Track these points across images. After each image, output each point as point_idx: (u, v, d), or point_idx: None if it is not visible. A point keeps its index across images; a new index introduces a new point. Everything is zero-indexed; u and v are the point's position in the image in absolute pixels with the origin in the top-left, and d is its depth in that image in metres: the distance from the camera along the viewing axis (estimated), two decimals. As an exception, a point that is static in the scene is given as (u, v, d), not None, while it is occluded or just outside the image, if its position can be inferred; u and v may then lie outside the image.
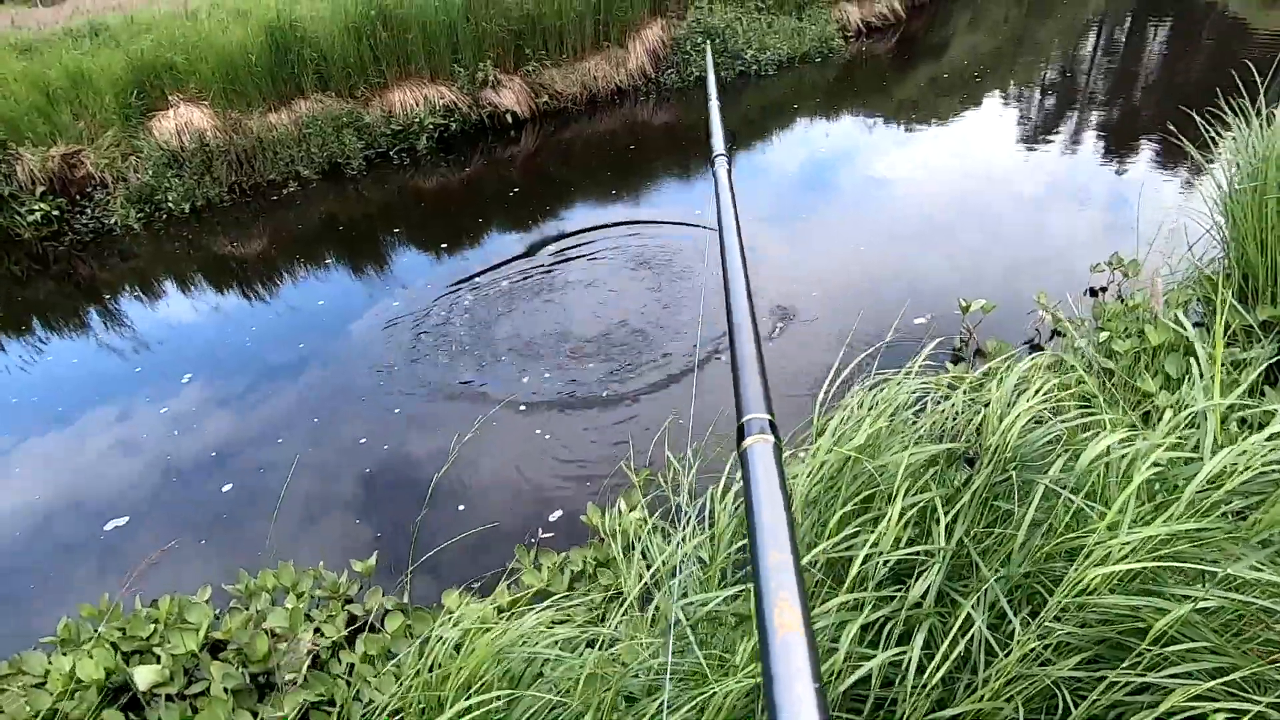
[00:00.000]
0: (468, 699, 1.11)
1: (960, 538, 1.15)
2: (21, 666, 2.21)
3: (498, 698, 1.14)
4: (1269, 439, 1.07)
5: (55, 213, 6.80)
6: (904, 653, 1.00)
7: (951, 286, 4.44)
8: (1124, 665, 0.94)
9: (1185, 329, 2.12)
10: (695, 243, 5.33)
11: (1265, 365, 2.00)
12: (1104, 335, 3.04)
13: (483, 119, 8.42)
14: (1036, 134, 7.38)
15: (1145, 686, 0.95)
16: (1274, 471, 1.06)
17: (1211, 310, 3.07)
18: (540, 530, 3.06)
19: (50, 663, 2.19)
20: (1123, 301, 3.39)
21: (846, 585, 1.04)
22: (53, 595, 3.04)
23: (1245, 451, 1.05)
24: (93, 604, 2.42)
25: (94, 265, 6.52)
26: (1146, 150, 6.58)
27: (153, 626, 2.27)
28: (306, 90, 7.68)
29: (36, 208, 6.71)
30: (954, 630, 1.04)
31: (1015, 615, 1.03)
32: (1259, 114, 3.25)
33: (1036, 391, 1.24)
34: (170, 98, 7.21)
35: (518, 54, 8.63)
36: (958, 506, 1.17)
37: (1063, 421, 1.26)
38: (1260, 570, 0.94)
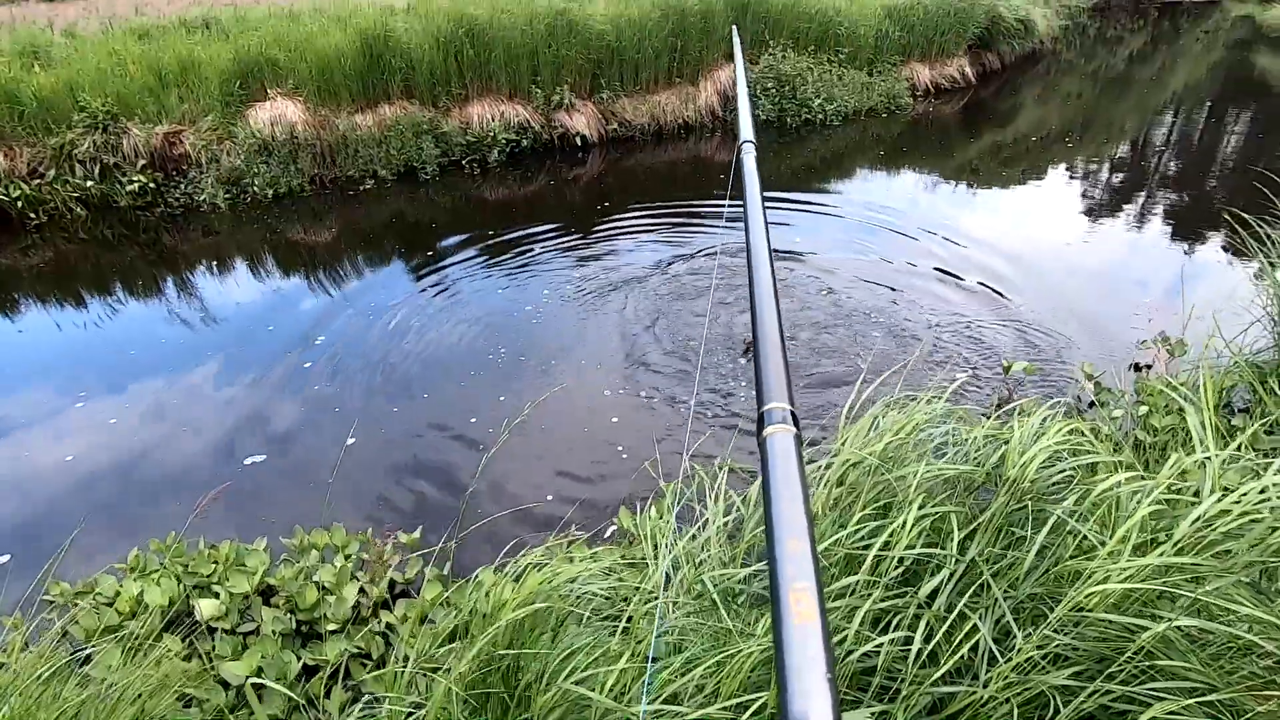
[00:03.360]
0: (516, 612, 1.24)
1: (974, 557, 1.26)
2: (95, 587, 2.42)
3: (547, 609, 1.27)
4: (1261, 491, 1.16)
5: (151, 185, 7.30)
6: (910, 637, 1.11)
7: (996, 349, 4.49)
8: (1105, 676, 1.03)
9: (1188, 401, 2.18)
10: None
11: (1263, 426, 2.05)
12: (1143, 409, 3.08)
13: (553, 139, 8.77)
14: (1099, 209, 7.39)
15: (1130, 699, 1.04)
16: (1262, 515, 1.15)
17: (1260, 395, 3.09)
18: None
19: (120, 586, 2.39)
20: (1166, 381, 3.42)
21: (863, 570, 1.16)
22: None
23: (1237, 499, 1.14)
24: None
25: (178, 237, 6.97)
26: (1208, 236, 6.54)
27: (213, 566, 2.46)
28: (393, 96, 8.14)
29: (136, 179, 7.22)
30: (960, 636, 1.15)
31: (1019, 631, 1.13)
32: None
33: (1057, 431, 1.34)
34: (269, 90, 7.72)
35: (593, 81, 9.01)
36: (974, 526, 1.28)
37: (1076, 461, 1.36)
38: (1241, 602, 1.03)
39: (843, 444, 1.52)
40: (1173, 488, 1.24)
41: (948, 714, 1.11)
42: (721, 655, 1.06)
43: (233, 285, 6.14)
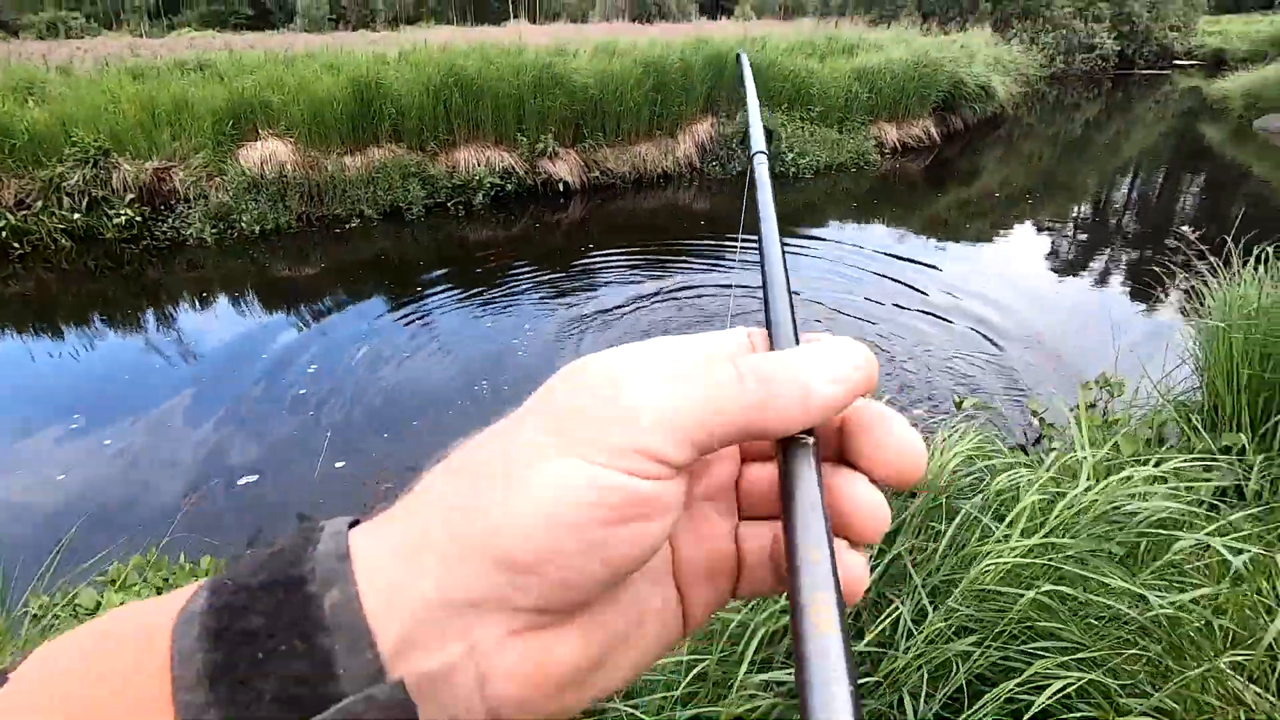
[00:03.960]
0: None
1: (899, 551, 1.42)
2: (75, 599, 2.48)
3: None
4: (1121, 481, 1.34)
5: (139, 219, 7.43)
6: None
7: (954, 387, 4.73)
8: (994, 638, 1.19)
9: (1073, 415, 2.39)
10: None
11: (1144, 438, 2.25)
12: (1115, 453, 3.29)
13: (537, 184, 9.09)
14: (1054, 261, 7.80)
15: (1019, 657, 1.19)
16: (1128, 504, 1.33)
17: (1185, 431, 3.32)
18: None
19: (101, 598, 2.45)
20: (1105, 416, 3.66)
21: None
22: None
23: (1102, 488, 1.32)
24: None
25: (162, 270, 7.07)
26: (1152, 288, 6.94)
27: (193, 579, 2.53)
28: (382, 139, 8.42)
29: (123, 212, 7.35)
30: (883, 616, 1.30)
31: (931, 609, 1.29)
32: (1228, 265, 3.60)
33: (968, 440, 1.52)
34: (260, 131, 7.96)
35: (576, 131, 9.39)
36: (898, 524, 1.44)
37: (985, 463, 1.54)
38: (1111, 576, 1.20)
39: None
40: (1061, 484, 1.43)
41: (875, 679, 1.25)
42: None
43: (218, 318, 6.23)
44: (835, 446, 0.26)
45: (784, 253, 0.33)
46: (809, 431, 0.24)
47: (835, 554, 0.21)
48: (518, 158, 8.95)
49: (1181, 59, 27.34)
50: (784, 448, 0.24)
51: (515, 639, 0.22)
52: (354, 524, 0.23)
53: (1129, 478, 1.39)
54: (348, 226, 7.92)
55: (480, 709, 0.22)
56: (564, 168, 9.20)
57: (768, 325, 0.28)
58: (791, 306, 0.29)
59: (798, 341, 0.26)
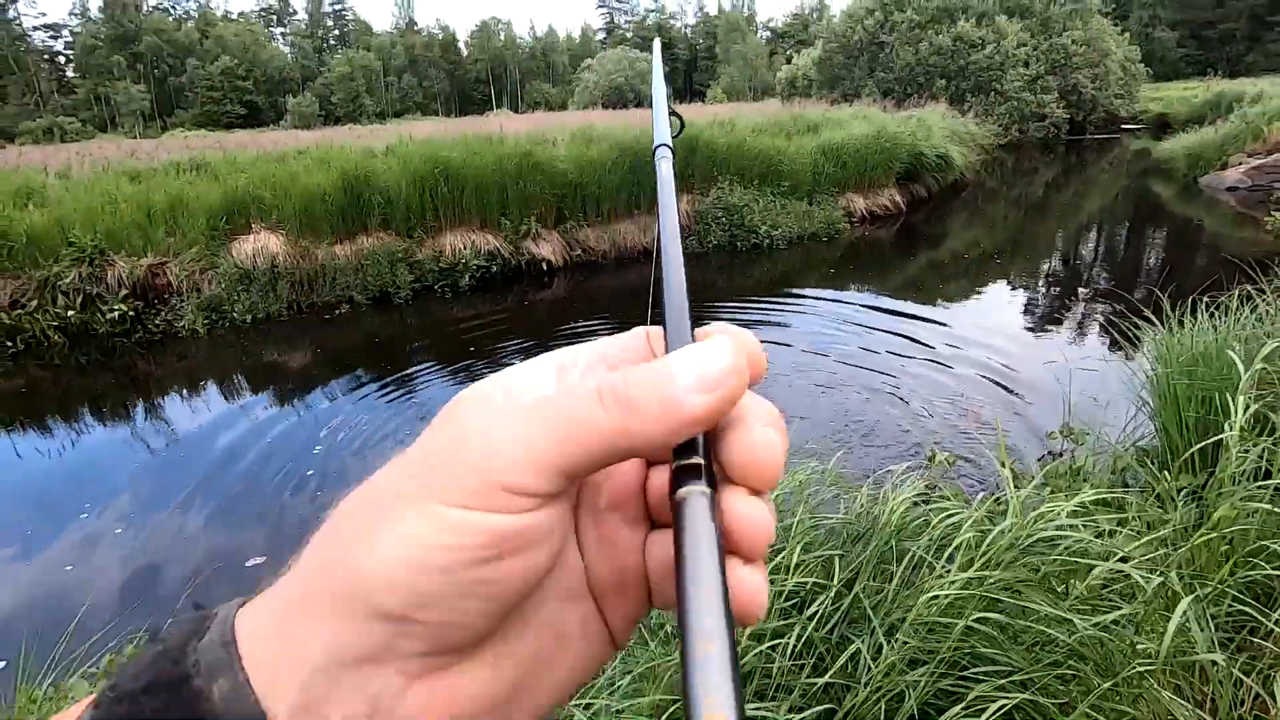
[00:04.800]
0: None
1: (857, 592, 1.53)
2: (68, 693, 2.49)
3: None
4: (1035, 520, 1.48)
5: (131, 313, 7.61)
6: (801, 651, 1.35)
7: (925, 440, 4.87)
8: (937, 664, 1.29)
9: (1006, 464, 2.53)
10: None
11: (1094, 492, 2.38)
12: (1048, 489, 3.42)
13: (521, 264, 9.42)
14: (1025, 317, 8.12)
15: (962, 683, 1.29)
16: (1047, 533, 1.46)
17: (1144, 473, 3.47)
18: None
19: (94, 688, 2.47)
20: (1068, 466, 3.80)
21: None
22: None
23: (1025, 523, 1.45)
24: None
25: (153, 362, 7.20)
26: (1112, 337, 7.22)
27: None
28: (370, 228, 8.76)
29: (116, 308, 7.53)
30: (844, 656, 1.40)
31: (887, 645, 1.39)
32: (1177, 318, 3.84)
33: (913, 486, 1.66)
34: (253, 225, 8.27)
35: (558, 213, 9.82)
36: (854, 566, 1.56)
37: (929, 507, 1.67)
38: (1040, 604, 1.31)
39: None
40: (994, 521, 1.56)
41: (843, 712, 1.34)
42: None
43: (206, 406, 6.32)
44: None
45: (683, 250, 0.33)
46: (710, 479, 0.22)
47: (735, 641, 0.19)
48: (502, 240, 9.31)
49: (1129, 123, 29.05)
50: (672, 475, 0.23)
51: (418, 684, 0.22)
52: (245, 603, 0.24)
53: (1050, 512, 1.53)
54: (338, 312, 8.13)
55: None
56: (547, 248, 9.56)
57: (663, 325, 0.27)
58: (689, 303, 0.28)
59: (693, 339, 0.26)
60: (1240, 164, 14.60)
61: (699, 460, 0.23)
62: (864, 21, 27.07)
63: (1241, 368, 2.26)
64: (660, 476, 0.26)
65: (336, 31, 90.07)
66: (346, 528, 0.23)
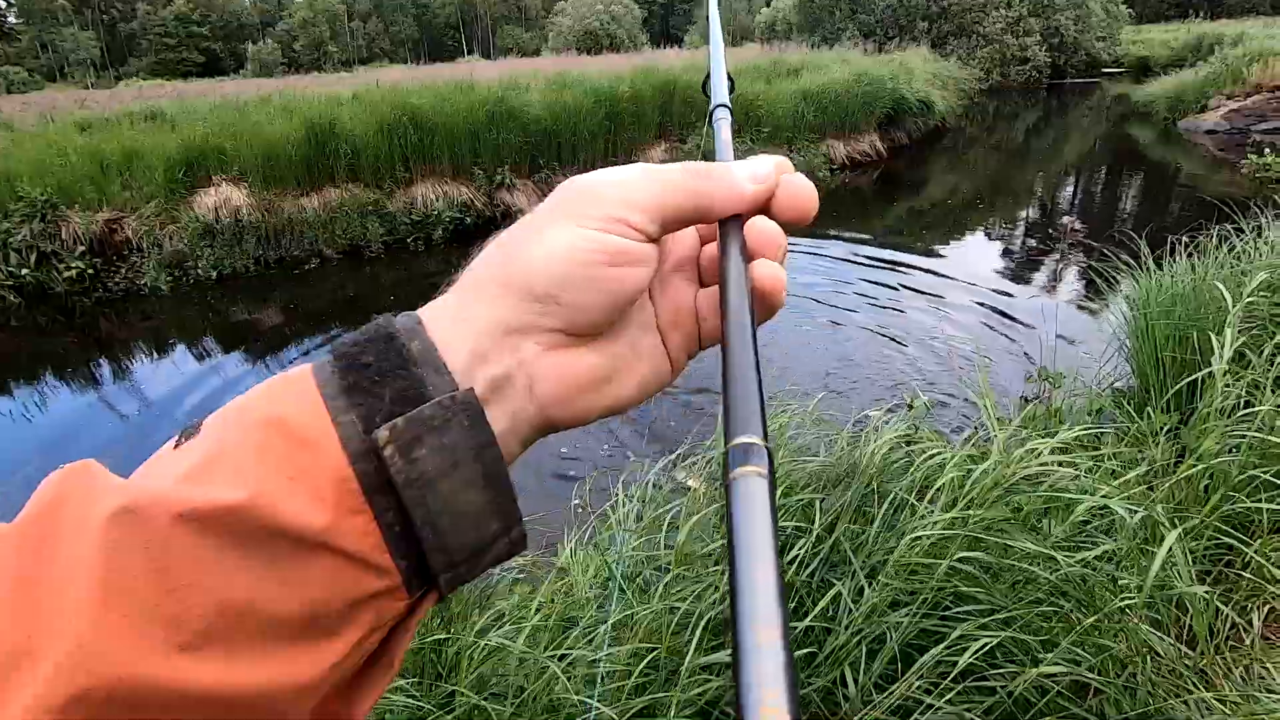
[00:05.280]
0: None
1: (838, 536, 1.50)
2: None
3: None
4: (1023, 455, 1.46)
5: (90, 271, 7.32)
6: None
7: (907, 385, 4.89)
8: (919, 605, 1.28)
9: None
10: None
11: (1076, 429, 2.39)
12: (1025, 431, 3.44)
13: (495, 216, 9.18)
14: (1008, 261, 8.11)
15: (943, 622, 1.28)
16: (1039, 479, 1.44)
17: (1119, 415, 3.49)
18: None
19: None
20: (1046, 408, 3.82)
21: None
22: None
23: (1009, 462, 1.43)
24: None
25: (116, 322, 6.97)
26: (1092, 281, 7.25)
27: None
28: (338, 179, 8.45)
29: (74, 265, 7.23)
30: (826, 599, 1.38)
31: (868, 587, 1.37)
32: (1152, 258, 3.82)
33: (894, 429, 1.63)
34: (214, 177, 7.93)
35: (532, 162, 9.54)
36: (835, 510, 1.53)
37: (911, 449, 1.64)
38: (1023, 542, 1.30)
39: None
40: (976, 461, 1.54)
41: (824, 655, 1.33)
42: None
43: (174, 367, 6.15)
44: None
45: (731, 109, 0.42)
46: (770, 461, 0.25)
47: (790, 630, 0.19)
48: (475, 190, 9.05)
49: (1110, 67, 28.75)
50: (722, 227, 0.33)
51: (550, 353, 0.31)
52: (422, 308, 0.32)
53: (1033, 450, 1.51)
54: (307, 268, 7.90)
55: (531, 402, 0.30)
56: (522, 198, 9.32)
57: (723, 318, 0.32)
58: (730, 138, 0.39)
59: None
60: (1219, 107, 14.56)
61: (760, 440, 0.24)
62: (845, -40, 26.25)
63: (1230, 301, 2.23)
64: (711, 251, 0.36)
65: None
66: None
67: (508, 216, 9.25)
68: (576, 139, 9.71)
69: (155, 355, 6.38)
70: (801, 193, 0.34)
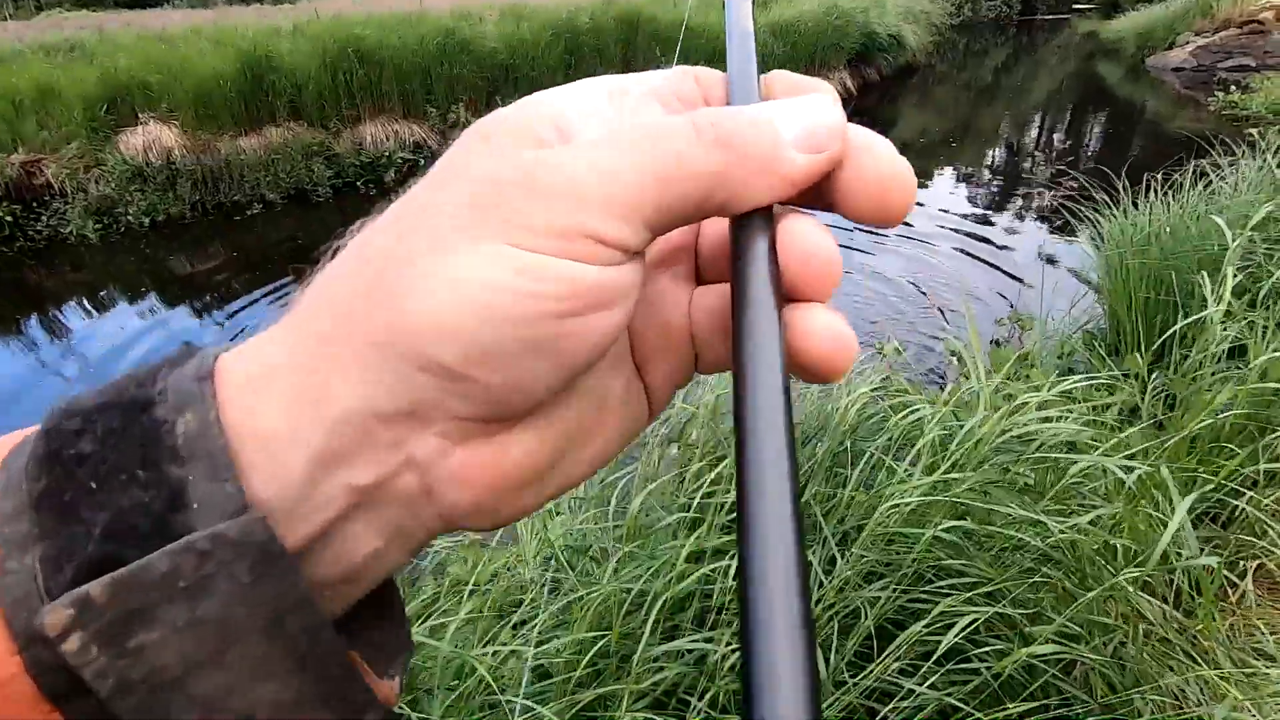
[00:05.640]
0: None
1: (808, 499, 1.38)
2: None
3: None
4: (1013, 413, 1.34)
5: (9, 218, 6.78)
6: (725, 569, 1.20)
7: (876, 331, 4.79)
8: (898, 580, 1.17)
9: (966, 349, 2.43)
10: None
11: (1075, 382, 2.30)
12: (1007, 384, 3.36)
13: (451, 157, 8.73)
14: (978, 203, 8.00)
15: (926, 597, 1.17)
16: (1031, 437, 1.33)
17: (1091, 358, 3.44)
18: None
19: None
20: (1016, 353, 3.75)
21: (696, 528, 1.25)
22: None
23: (999, 418, 1.31)
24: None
25: (44, 273, 6.49)
26: (1064, 221, 7.19)
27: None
28: (279, 118, 7.89)
29: (-10, 212, 6.69)
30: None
31: (843, 559, 1.25)
32: (1130, 196, 3.71)
33: (869, 380, 1.49)
34: (140, 115, 7.33)
35: (489, 98, 9.02)
36: (806, 471, 1.40)
37: (889, 402, 1.51)
38: (1010, 507, 1.19)
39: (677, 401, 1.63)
40: (960, 417, 1.41)
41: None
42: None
43: (113, 321, 5.77)
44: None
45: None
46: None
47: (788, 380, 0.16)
48: (428, 129, 8.55)
49: (1080, 3, 28.34)
50: (735, 223, 0.20)
51: (460, 449, 0.19)
52: (228, 349, 0.19)
53: (1023, 405, 1.38)
54: (249, 213, 7.42)
55: (429, 509, 0.19)
56: (479, 138, 8.87)
57: (728, 73, 0.22)
58: (756, 56, 0.23)
59: (760, 90, 0.21)
60: (1187, 43, 14.42)
61: (770, 229, 0.19)
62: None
63: (1229, 235, 2.10)
64: (714, 228, 0.24)
65: (230, -107, 79.35)
66: (384, 260, 0.18)
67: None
68: (536, 74, 9.19)
69: (92, 310, 5.97)
70: (888, 175, 0.20)
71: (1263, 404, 1.51)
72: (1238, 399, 1.43)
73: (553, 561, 1.30)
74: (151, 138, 7.21)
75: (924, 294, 5.58)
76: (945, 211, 7.67)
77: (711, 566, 1.17)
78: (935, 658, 1.05)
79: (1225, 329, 1.77)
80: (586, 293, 0.18)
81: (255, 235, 7.11)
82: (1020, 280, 5.75)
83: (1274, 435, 1.51)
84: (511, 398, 0.18)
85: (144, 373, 0.18)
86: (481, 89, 8.90)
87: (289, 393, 0.17)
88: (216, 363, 0.18)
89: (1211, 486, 1.34)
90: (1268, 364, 1.45)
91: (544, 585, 1.23)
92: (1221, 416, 1.43)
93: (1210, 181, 3.75)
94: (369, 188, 8.04)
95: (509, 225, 0.17)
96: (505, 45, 8.89)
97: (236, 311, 5.76)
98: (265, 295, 5.97)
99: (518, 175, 0.18)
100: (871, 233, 6.78)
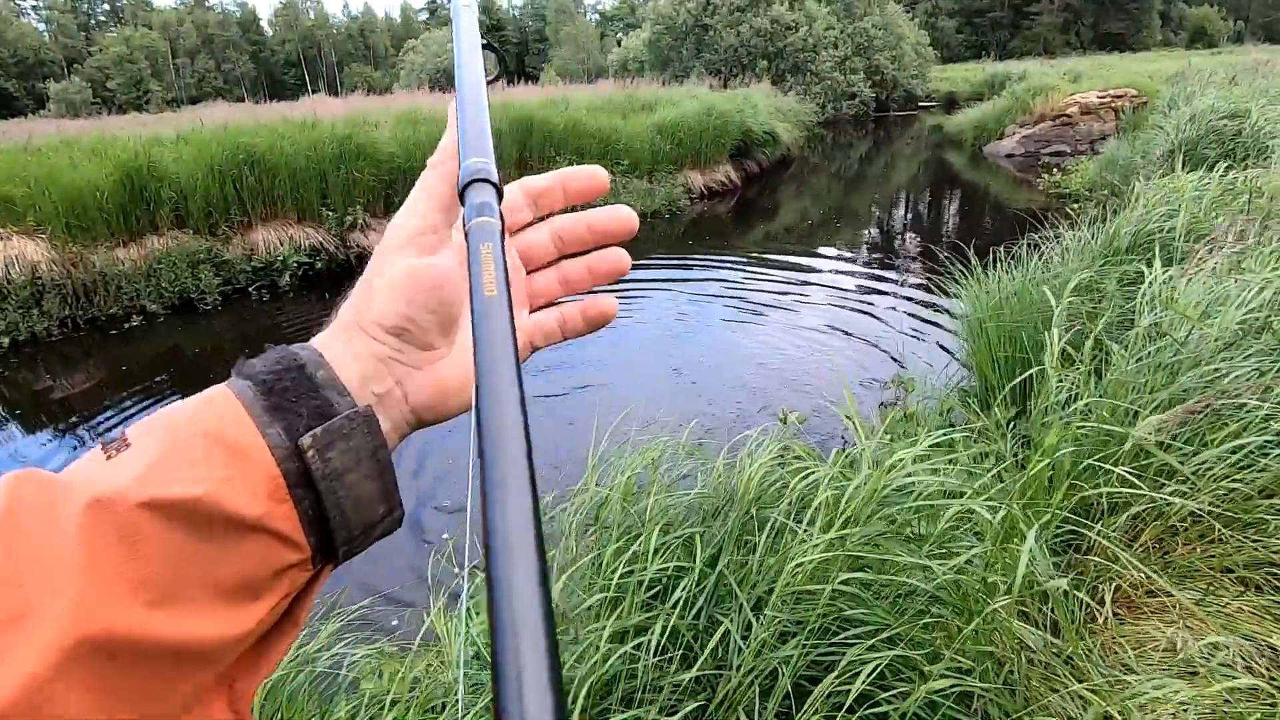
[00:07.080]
0: None
1: (721, 569, 1.44)
2: None
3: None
4: (889, 470, 1.49)
5: None
6: (668, 646, 1.24)
7: (776, 403, 5.03)
8: (804, 634, 1.24)
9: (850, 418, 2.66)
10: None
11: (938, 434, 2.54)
12: (888, 438, 3.62)
13: (350, 258, 8.65)
14: (855, 278, 8.67)
15: (836, 649, 1.25)
16: (910, 489, 1.48)
17: (965, 413, 3.76)
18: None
19: None
20: (903, 413, 4.05)
21: (617, 608, 1.29)
22: None
23: (880, 474, 1.46)
24: None
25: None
26: (932, 291, 7.92)
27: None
28: (161, 227, 7.63)
29: None
30: (714, 639, 1.30)
31: (756, 621, 1.31)
32: (983, 267, 4.19)
33: (768, 450, 1.61)
34: (2, 230, 6.89)
35: (387, 200, 9.10)
36: (717, 542, 1.47)
37: (785, 470, 1.63)
38: (899, 555, 1.31)
39: (587, 484, 1.68)
40: (848, 476, 1.55)
41: (716, 703, 1.24)
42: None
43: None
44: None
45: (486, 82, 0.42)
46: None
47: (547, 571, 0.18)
48: (325, 233, 8.48)
49: (924, 101, 32.29)
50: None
51: (418, 372, 0.37)
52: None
53: (900, 461, 1.54)
54: (127, 326, 7.00)
55: (406, 408, 0.37)
56: (376, 238, 8.83)
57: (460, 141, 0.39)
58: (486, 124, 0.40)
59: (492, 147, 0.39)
60: (1014, 134, 16.62)
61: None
62: (687, 4, 27.74)
63: (1054, 301, 2.44)
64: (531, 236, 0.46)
65: (106, 6, 78.16)
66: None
67: (362, 260, 8.72)
68: (433, 176, 9.39)
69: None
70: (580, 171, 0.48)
71: (1098, 443, 1.75)
72: (1064, 439, 1.66)
73: (476, 661, 1.28)
74: (14, 252, 6.76)
75: (813, 362, 5.93)
76: (829, 288, 8.29)
77: (635, 643, 1.20)
78: (846, 706, 1.12)
79: (1061, 380, 2.04)
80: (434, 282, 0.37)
81: (135, 348, 6.68)
82: (901, 345, 6.26)
83: (1113, 467, 1.73)
84: (426, 336, 0.36)
85: (288, 352, 0.34)
86: (379, 191, 8.98)
87: (344, 354, 0.35)
88: (318, 344, 0.35)
89: (1048, 518, 1.53)
90: (1089, 404, 1.70)
91: (471, 684, 1.21)
92: (1057, 456, 1.65)
93: (1043, 252, 4.33)
94: (262, 294, 7.80)
95: (393, 246, 0.39)
96: (401, 148, 9.08)
97: (106, 428, 5.33)
98: (145, 408, 5.57)
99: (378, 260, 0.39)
100: (762, 308, 7.20)
